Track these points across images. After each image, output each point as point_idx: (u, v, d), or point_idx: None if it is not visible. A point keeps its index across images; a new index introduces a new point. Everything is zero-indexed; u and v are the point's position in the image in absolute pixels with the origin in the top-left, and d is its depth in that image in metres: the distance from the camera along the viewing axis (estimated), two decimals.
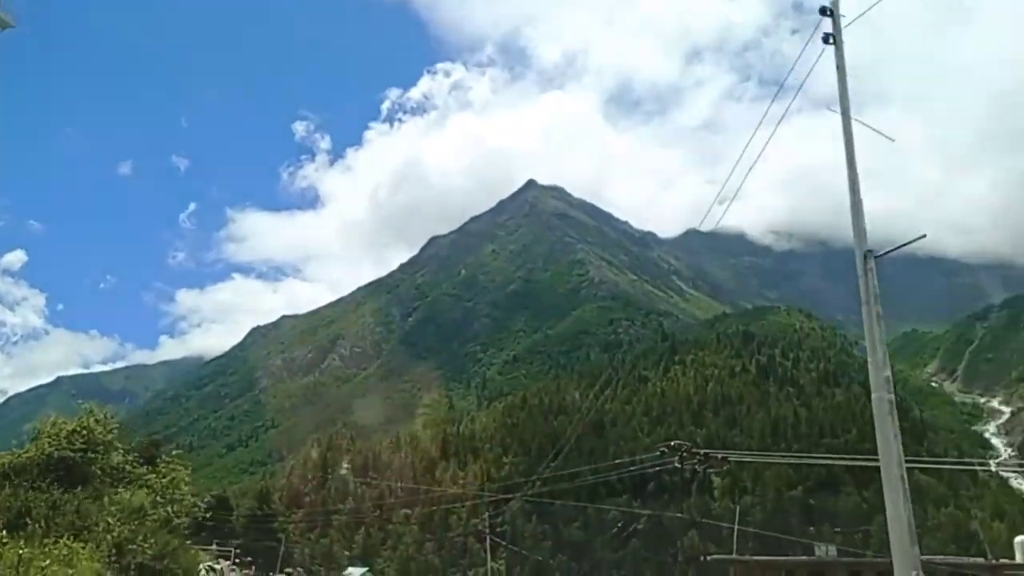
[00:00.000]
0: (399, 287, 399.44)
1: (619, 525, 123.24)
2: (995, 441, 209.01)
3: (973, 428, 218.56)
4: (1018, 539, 35.25)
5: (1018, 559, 34.26)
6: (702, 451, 31.23)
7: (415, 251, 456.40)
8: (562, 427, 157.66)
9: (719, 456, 32.11)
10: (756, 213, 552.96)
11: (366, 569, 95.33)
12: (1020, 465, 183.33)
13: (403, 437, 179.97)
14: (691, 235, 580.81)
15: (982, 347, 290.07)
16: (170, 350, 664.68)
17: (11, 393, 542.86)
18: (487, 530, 53.72)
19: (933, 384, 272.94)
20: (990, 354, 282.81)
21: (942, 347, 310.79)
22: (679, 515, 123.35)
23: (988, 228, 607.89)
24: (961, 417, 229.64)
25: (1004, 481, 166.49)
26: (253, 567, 76.55)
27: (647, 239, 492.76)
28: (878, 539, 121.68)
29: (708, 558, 36.29)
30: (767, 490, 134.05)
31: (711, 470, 30.79)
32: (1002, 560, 34.91)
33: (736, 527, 39.36)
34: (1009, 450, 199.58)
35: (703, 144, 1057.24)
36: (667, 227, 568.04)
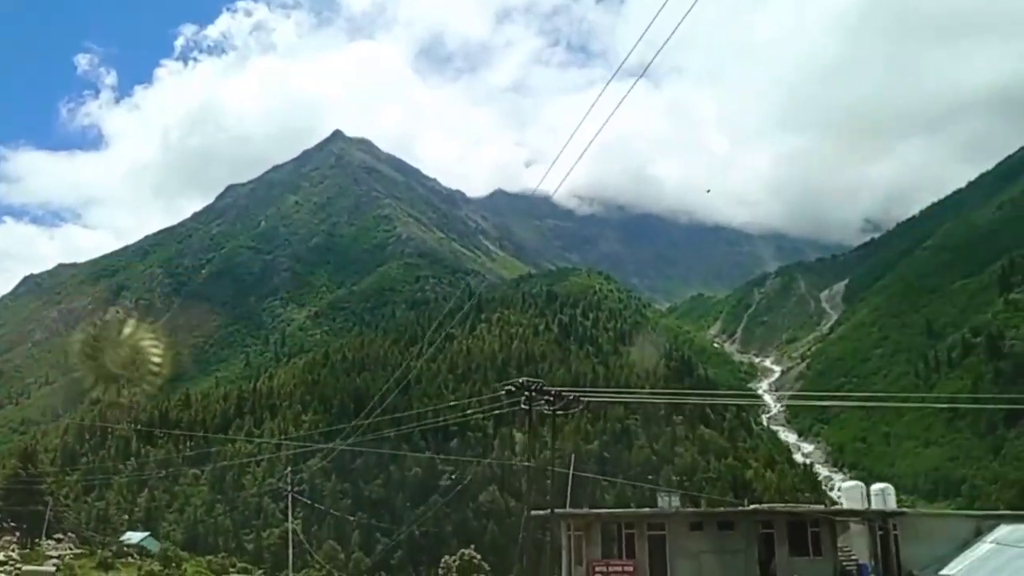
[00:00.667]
0: (192, 237, 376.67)
1: (452, 477, 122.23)
2: (767, 397, 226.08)
3: (749, 385, 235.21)
4: (845, 484, 36.65)
5: (845, 505, 35.71)
6: (554, 389, 29.66)
7: (210, 199, 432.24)
8: (365, 384, 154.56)
9: (572, 396, 30.80)
10: (559, 177, 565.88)
11: (147, 534, 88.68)
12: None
13: (194, 394, 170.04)
14: (498, 195, 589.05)
15: (758, 311, 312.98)
16: None
17: None
18: (288, 488, 50.38)
19: (716, 345, 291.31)
20: (765, 318, 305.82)
21: (724, 310, 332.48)
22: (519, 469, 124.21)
23: (767, 201, 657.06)
24: (739, 375, 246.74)
25: (774, 434, 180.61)
26: (17, 533, 69.01)
27: (455, 197, 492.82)
28: (667, 484, 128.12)
29: (535, 512, 34.10)
30: (566, 444, 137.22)
31: (561, 412, 29.18)
32: (834, 507, 36.16)
33: (571, 475, 38.07)
34: (778, 405, 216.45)
35: (512, 106, 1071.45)
36: (475, 186, 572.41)
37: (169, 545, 71.78)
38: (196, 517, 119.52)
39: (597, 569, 33.33)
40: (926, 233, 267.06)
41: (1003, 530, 30.29)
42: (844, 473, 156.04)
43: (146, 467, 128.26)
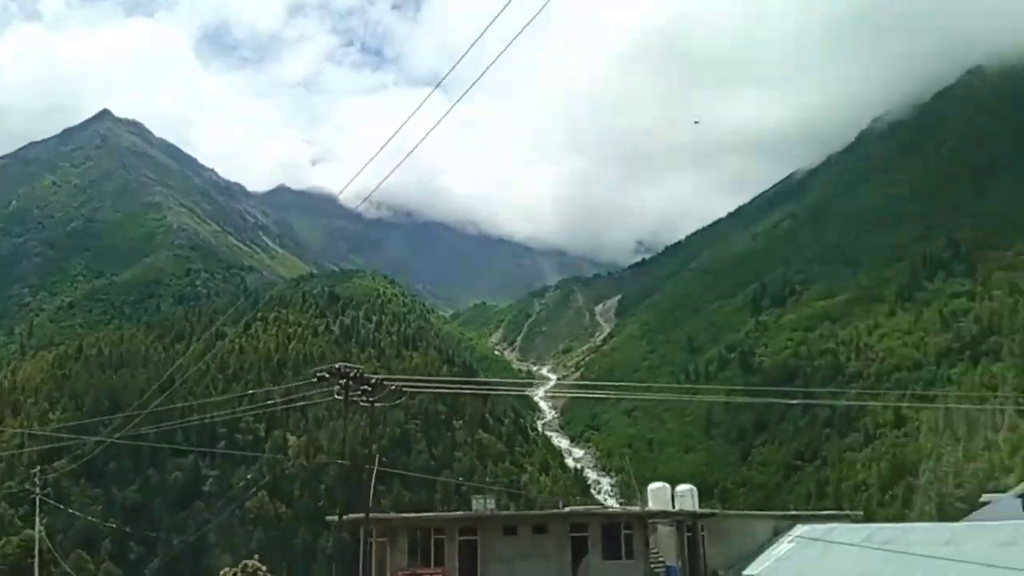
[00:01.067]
0: None
1: (246, 479, 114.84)
2: (542, 404, 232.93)
3: (526, 392, 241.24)
4: (652, 486, 36.74)
5: (651, 505, 35.73)
6: (374, 377, 27.68)
7: None
8: (123, 381, 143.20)
9: (394, 386, 28.91)
10: (348, 178, 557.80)
11: None
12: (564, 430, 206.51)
13: None
14: (282, 192, 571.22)
15: (538, 321, 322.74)
16: None
17: None
18: (36, 489, 44.58)
19: (496, 352, 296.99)
20: (544, 328, 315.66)
21: (506, 319, 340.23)
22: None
23: (549, 217, 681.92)
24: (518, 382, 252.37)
25: (548, 439, 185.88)
26: None
27: (234, 190, 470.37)
28: (443, 494, 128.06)
29: (344, 517, 31.54)
30: (344, 447, 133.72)
31: (380, 403, 27.19)
32: (648, 508, 36.05)
33: (375, 474, 35.60)
34: (553, 411, 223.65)
35: (301, 101, 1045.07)
36: (257, 181, 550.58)
37: None
38: None
39: None
40: (690, 257, 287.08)
41: (799, 529, 31.73)
42: (611, 476, 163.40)
43: None
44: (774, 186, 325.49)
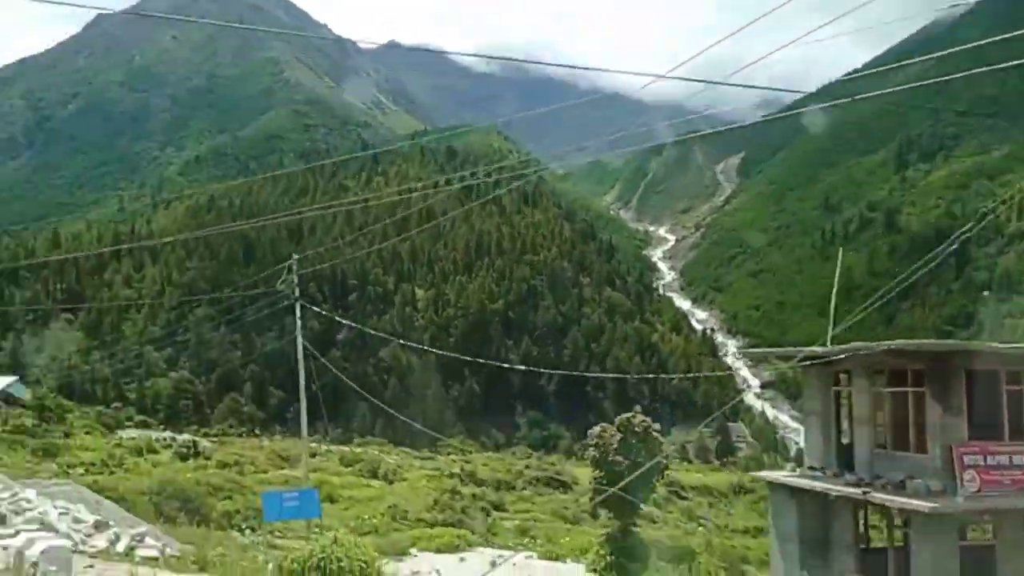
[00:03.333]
0: (56, 68, 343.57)
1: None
2: (661, 265, 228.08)
3: (644, 252, 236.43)
4: None
5: None
6: None
7: (78, 28, 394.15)
8: (255, 231, 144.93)
9: None
10: (461, 33, 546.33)
11: (14, 378, 79.58)
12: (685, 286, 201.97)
13: (63, 235, 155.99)
14: (393, 48, 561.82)
15: (655, 180, 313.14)
16: None
17: None
18: (295, 292, 41.99)
19: (611, 212, 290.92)
20: (661, 187, 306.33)
21: (621, 178, 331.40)
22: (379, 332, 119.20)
23: (665, 70, 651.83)
24: (634, 242, 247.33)
25: (670, 300, 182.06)
26: None
27: (346, 46, 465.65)
28: (572, 348, 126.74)
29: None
30: (470, 303, 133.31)
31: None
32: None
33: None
34: (672, 273, 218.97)
35: None
36: (368, 36, 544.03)
37: (46, 392, 63.11)
38: (71, 363, 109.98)
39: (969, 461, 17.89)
40: (824, 111, 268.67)
41: None
42: (738, 340, 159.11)
43: (10, 308, 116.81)
44: (919, 31, 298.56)
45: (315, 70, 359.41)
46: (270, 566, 16.75)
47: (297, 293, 28.66)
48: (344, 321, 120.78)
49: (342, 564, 13.74)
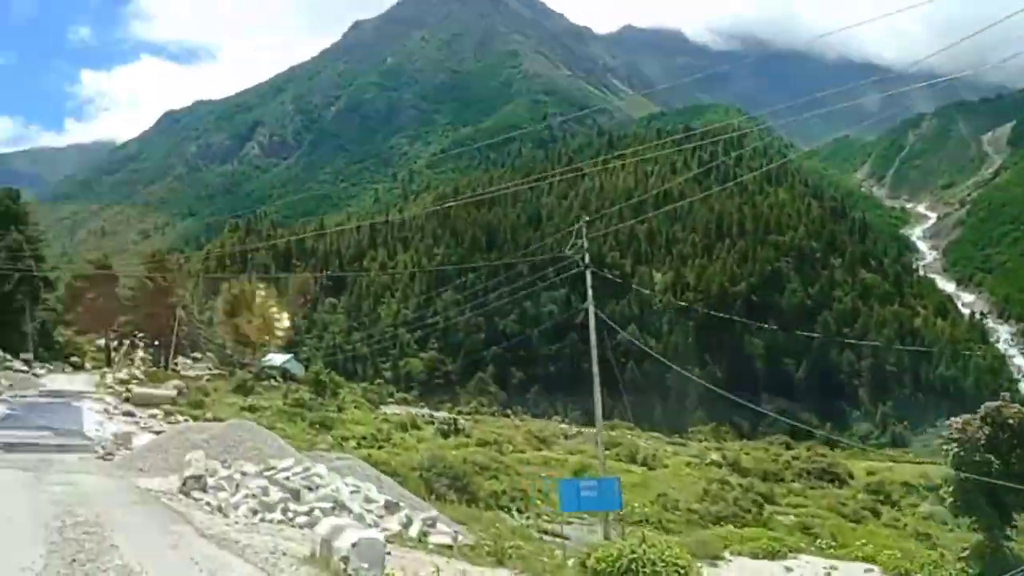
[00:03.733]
0: (321, 74, 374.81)
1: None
2: (920, 244, 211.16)
3: (901, 232, 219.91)
4: None
5: None
6: None
7: (338, 36, 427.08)
8: (496, 219, 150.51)
9: None
10: (696, 11, 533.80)
11: (290, 356, 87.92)
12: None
13: (328, 227, 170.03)
14: (628, 31, 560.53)
15: (912, 154, 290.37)
16: (79, 134, 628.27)
17: None
18: (582, 259, 43.41)
19: (863, 189, 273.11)
20: (918, 161, 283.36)
21: (873, 153, 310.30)
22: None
23: (920, 35, 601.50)
24: (889, 221, 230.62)
25: (932, 282, 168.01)
26: (151, 349, 67.75)
27: (583, 34, 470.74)
28: (823, 332, 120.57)
29: None
30: (710, 285, 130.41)
31: None
32: None
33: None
34: (934, 253, 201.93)
35: None
36: (604, 22, 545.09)
37: (321, 368, 68.85)
38: (334, 343, 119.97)
39: None
40: None
41: None
42: (1011, 325, 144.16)
43: (284, 294, 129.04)
44: None
45: (552, 60, 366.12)
46: (571, 562, 15.86)
47: (587, 259, 27.05)
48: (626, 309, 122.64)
49: (656, 569, 12.63)
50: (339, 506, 16.35)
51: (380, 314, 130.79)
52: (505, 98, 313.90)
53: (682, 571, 12.90)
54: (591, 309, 27.51)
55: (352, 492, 17.85)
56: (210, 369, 69.07)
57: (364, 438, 41.73)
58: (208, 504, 16.04)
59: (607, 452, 53.24)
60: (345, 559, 10.03)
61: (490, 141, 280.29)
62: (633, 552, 12.91)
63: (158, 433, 27.23)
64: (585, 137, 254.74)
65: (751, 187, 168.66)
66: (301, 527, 14.79)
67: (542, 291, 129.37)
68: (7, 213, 62.73)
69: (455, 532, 18.08)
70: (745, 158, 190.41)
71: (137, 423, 31.67)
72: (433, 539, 16.58)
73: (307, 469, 18.16)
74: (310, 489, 17.00)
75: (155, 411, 35.68)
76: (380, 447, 38.91)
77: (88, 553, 10.32)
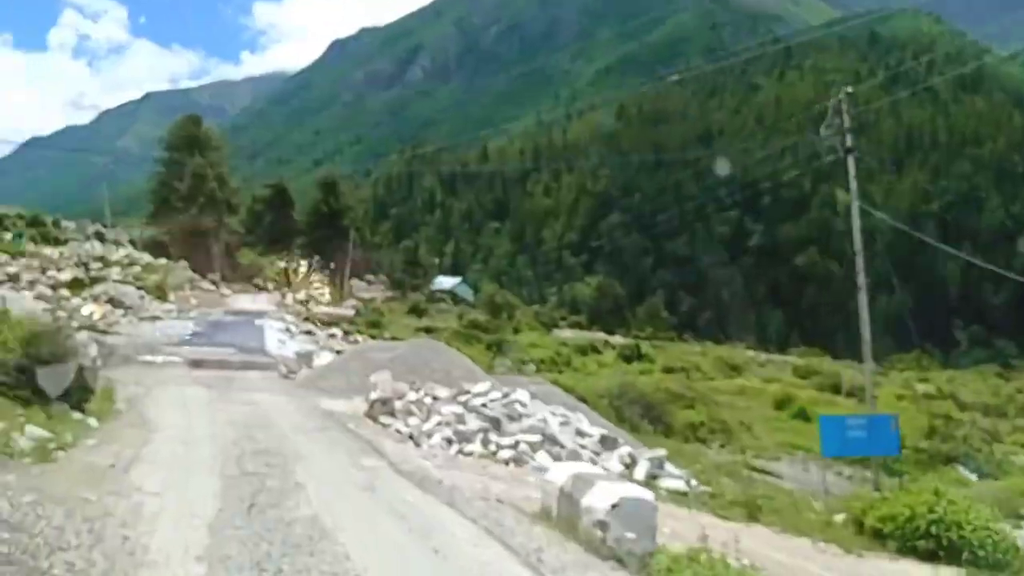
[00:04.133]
0: None
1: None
2: None
3: None
4: None
5: None
6: None
7: None
8: (664, 137, 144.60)
9: None
10: None
11: (459, 279, 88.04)
12: None
13: (490, 150, 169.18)
14: None
15: None
16: (253, 65, 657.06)
17: (103, 109, 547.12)
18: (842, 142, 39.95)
19: None
20: None
21: None
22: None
23: None
24: None
25: None
26: (326, 271, 68.64)
27: None
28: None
29: None
30: (899, 204, 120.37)
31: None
32: None
33: None
34: None
35: None
36: None
37: (497, 289, 67.85)
38: (500, 268, 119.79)
39: None
40: None
41: None
42: None
43: (450, 218, 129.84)
44: None
45: None
46: (839, 518, 12.98)
47: (849, 141, 21.86)
48: None
49: (963, 534, 10.20)
50: (548, 440, 14.63)
51: (544, 238, 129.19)
52: (672, 9, 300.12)
53: (996, 537, 10.34)
54: (854, 205, 22.28)
55: (561, 424, 15.87)
56: (382, 291, 69.69)
57: (543, 361, 40.40)
58: (398, 431, 15.03)
59: (805, 380, 48.22)
60: (602, 524, 7.47)
61: (656, 55, 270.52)
62: (932, 512, 10.42)
63: (339, 352, 27.24)
64: (759, 47, 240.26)
65: (944, 96, 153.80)
66: (506, 462, 13.46)
67: (713, 212, 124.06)
68: (191, 139, 64.76)
69: (688, 478, 15.41)
70: (938, 64, 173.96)
71: (317, 342, 32.12)
72: (665, 483, 13.98)
73: (506, 395, 16.51)
74: (511, 418, 15.39)
75: (334, 330, 36.27)
76: (560, 372, 37.43)
77: (269, 494, 8.91)
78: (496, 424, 14.96)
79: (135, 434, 12.30)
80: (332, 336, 34.35)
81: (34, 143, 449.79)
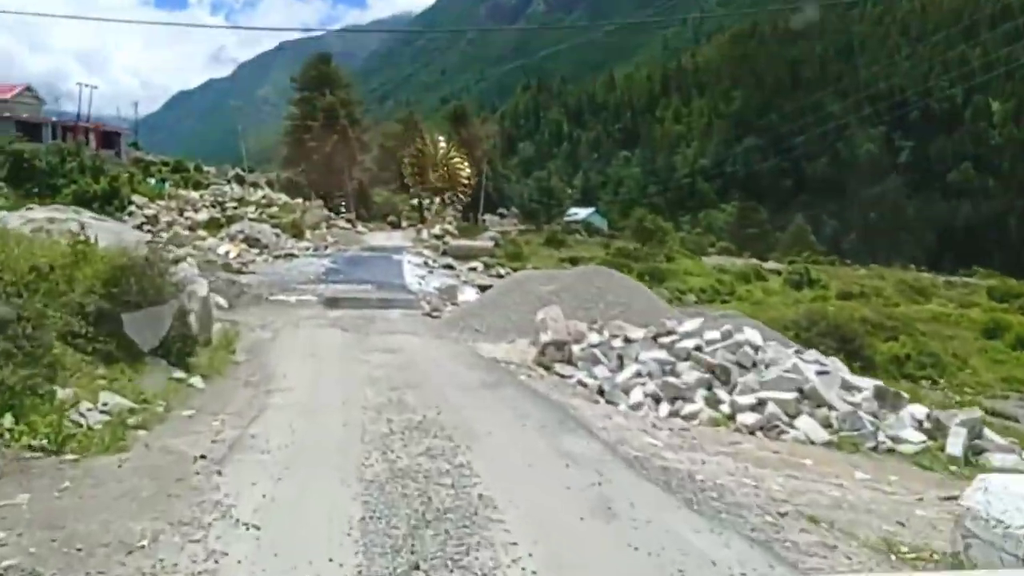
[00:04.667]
0: None
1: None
2: None
3: None
4: None
5: None
6: None
7: None
8: (801, 55, 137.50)
9: None
10: None
11: (592, 209, 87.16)
12: None
13: (617, 78, 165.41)
14: None
15: None
16: (379, 8, 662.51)
17: (240, 61, 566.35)
18: None
19: None
20: None
21: None
22: None
23: None
24: None
25: None
26: (459, 205, 68.85)
27: None
28: None
29: None
30: None
31: None
32: None
33: None
34: None
35: None
36: None
37: (645, 214, 65.39)
38: (630, 198, 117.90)
39: None
40: None
41: None
42: None
43: (578, 149, 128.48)
44: None
45: None
46: None
47: None
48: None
49: None
50: (806, 396, 10.68)
51: (676, 165, 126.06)
52: None
53: None
54: None
55: (819, 373, 11.45)
56: (515, 224, 69.76)
57: (702, 291, 37.45)
58: (581, 384, 12.06)
59: (1003, 304, 40.92)
60: None
61: None
62: None
63: (483, 288, 24.53)
64: None
65: None
66: (751, 431, 9.86)
67: (857, 130, 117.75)
68: (321, 76, 65.99)
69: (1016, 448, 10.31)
70: None
71: (458, 276, 31.00)
72: (995, 461, 9.50)
73: (728, 335, 12.58)
74: (743, 367, 11.64)
75: (474, 263, 35.22)
76: (725, 301, 34.70)
77: (441, 526, 5.60)
78: (725, 375, 11.44)
79: (248, 398, 9.87)
80: (472, 269, 33.65)
81: (180, 98, 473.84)
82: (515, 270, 31.80)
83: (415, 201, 73.40)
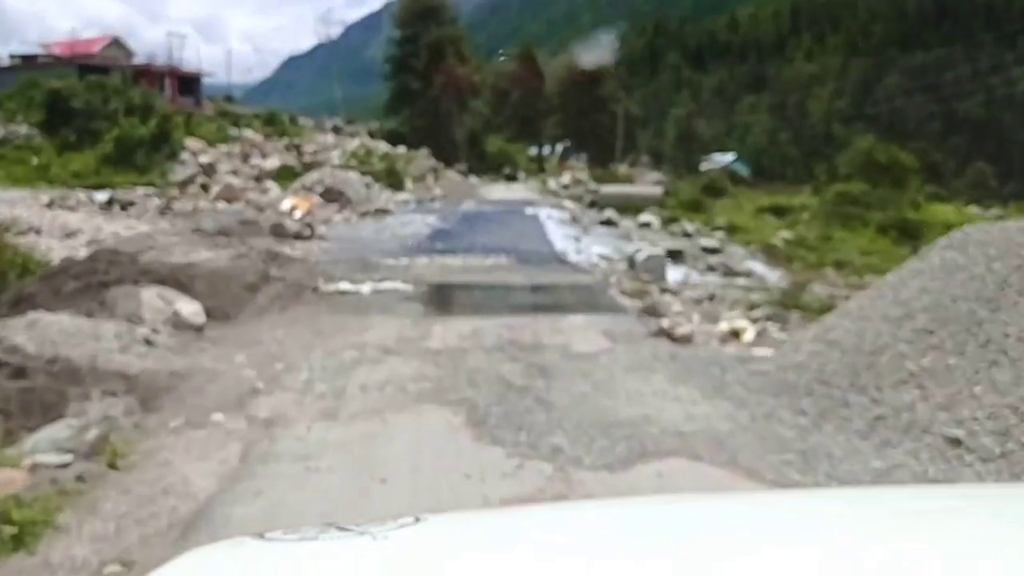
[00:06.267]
0: None
1: None
2: None
3: None
4: None
5: None
6: None
7: None
8: None
9: None
10: None
11: (734, 156, 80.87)
12: None
13: (739, 17, 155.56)
14: None
15: None
16: None
17: (348, 23, 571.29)
18: None
19: None
20: None
21: None
22: None
23: None
24: None
25: None
26: (581, 155, 63.96)
27: None
28: None
29: None
30: None
31: None
32: None
33: None
34: None
35: None
36: None
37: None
38: (760, 146, 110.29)
39: None
40: None
41: None
42: None
43: (700, 95, 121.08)
44: None
45: None
46: None
47: None
48: None
49: None
50: None
51: (809, 109, 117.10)
52: None
53: None
54: None
55: None
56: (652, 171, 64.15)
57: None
58: None
59: None
60: None
61: None
62: None
63: (670, 254, 16.84)
64: None
65: None
66: None
67: (1013, 65, 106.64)
68: (423, 10, 60.68)
69: None
70: None
71: (628, 237, 21.72)
72: None
73: None
74: None
75: (646, 218, 25.30)
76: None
77: None
78: None
79: None
80: (645, 226, 23.97)
81: (290, 63, 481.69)
82: (704, 223, 25.29)
83: (533, 151, 68.75)
